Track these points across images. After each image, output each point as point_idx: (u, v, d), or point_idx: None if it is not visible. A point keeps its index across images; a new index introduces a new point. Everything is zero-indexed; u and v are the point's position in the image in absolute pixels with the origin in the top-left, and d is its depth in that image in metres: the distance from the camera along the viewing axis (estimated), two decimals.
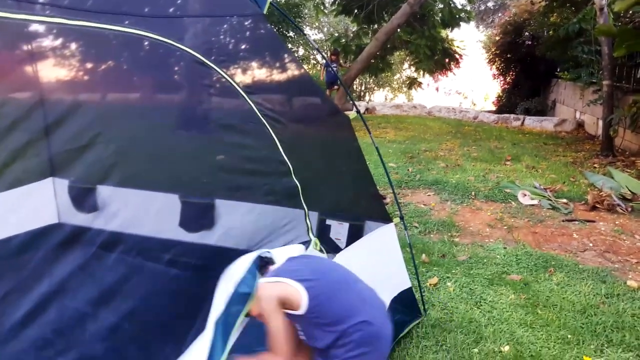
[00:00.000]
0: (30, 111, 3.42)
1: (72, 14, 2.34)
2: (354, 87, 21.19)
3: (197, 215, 3.79)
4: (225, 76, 2.63)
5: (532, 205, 5.85)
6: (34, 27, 2.65)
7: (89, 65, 3.33)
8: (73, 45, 3.01)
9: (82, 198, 4.14)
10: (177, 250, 3.58)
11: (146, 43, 2.64)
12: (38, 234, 3.96)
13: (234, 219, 3.76)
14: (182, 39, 2.66)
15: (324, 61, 12.75)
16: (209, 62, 2.61)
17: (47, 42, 2.90)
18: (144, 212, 4.01)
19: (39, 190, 3.97)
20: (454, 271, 3.99)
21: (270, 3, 2.60)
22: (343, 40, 14.59)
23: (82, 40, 2.98)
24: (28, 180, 3.79)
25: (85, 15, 2.41)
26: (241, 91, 2.61)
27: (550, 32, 12.59)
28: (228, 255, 3.53)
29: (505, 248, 4.51)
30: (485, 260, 4.21)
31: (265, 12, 2.49)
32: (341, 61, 13.32)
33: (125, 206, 4.08)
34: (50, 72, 3.29)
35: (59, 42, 2.92)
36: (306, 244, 2.78)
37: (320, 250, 2.83)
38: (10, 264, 3.18)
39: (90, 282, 3.35)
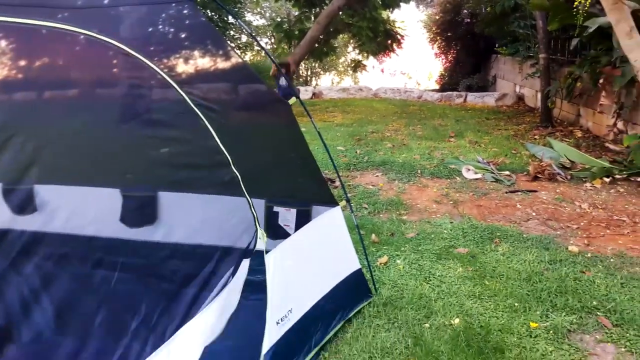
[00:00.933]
0: None
1: (1, 10, 2.19)
2: (300, 72, 21.07)
3: (139, 210, 3.68)
4: (156, 68, 2.54)
5: (476, 179, 5.97)
6: None
7: (21, 63, 3.16)
8: (3, 42, 2.85)
9: (19, 200, 3.95)
10: (119, 250, 3.47)
11: (82, 37, 2.52)
12: None
13: (177, 212, 3.67)
14: (117, 31, 2.55)
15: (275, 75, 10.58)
16: (138, 55, 2.51)
17: None
18: (85, 209, 3.86)
19: None
20: (403, 249, 4.03)
21: None
22: (285, 25, 14.45)
23: (13, 37, 2.82)
24: None
25: (17, 11, 2.27)
26: (173, 83, 2.52)
27: (488, 9, 12.82)
28: (174, 250, 3.45)
29: (451, 222, 4.58)
30: (432, 236, 4.27)
31: None
32: (293, 67, 11.79)
33: (65, 204, 3.92)
34: None
35: None
36: (254, 234, 2.74)
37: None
38: None
39: (27, 286, 3.20)
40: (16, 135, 3.37)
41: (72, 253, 3.64)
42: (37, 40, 2.69)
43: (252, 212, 2.72)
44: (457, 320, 3.02)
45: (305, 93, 14.53)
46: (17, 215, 3.92)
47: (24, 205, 3.91)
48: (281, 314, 2.53)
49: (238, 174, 2.59)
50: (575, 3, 6.51)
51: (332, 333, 2.85)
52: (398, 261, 3.81)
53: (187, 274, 2.95)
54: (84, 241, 3.81)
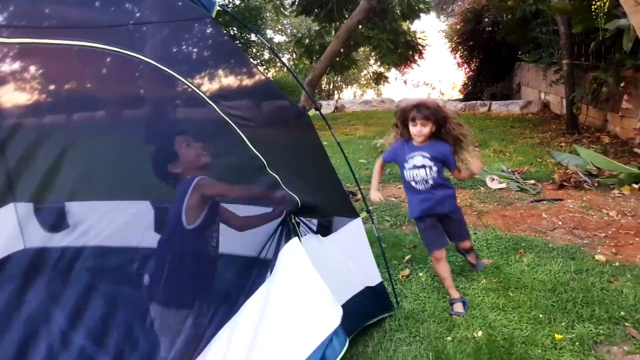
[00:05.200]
0: None
1: (29, 32, 2.28)
2: (322, 86, 21.19)
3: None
4: (189, 84, 2.58)
5: (501, 189, 5.90)
6: None
7: (50, 86, 3.26)
8: (32, 67, 2.93)
9: (51, 218, 4.05)
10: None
11: (108, 59, 2.58)
12: (3, 263, 3.85)
13: None
14: (142, 52, 2.61)
15: None
16: (172, 72, 2.56)
17: (6, 67, 2.82)
18: (116, 222, 3.93)
19: (1, 218, 3.87)
20: (426, 261, 3.99)
21: (221, 7, 2.56)
22: (306, 40, 14.59)
23: (42, 60, 2.90)
24: None
25: (45, 33, 2.35)
26: (205, 98, 2.56)
27: (509, 16, 12.74)
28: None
29: (475, 233, 4.52)
30: None
31: (213, 16, 2.45)
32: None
33: (97, 220, 3.99)
34: (9, 95, 3.21)
35: (17, 64, 2.84)
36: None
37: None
38: None
39: (65, 302, 3.26)
40: (47, 155, 3.47)
41: (110, 264, 3.69)
42: (65, 63, 2.76)
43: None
44: (480, 333, 2.97)
45: (327, 107, 14.60)
46: (47, 233, 4.03)
47: (57, 222, 4.00)
48: None
49: (277, 176, 2.59)
50: (594, 6, 6.42)
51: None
52: (420, 274, 3.78)
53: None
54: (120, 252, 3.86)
